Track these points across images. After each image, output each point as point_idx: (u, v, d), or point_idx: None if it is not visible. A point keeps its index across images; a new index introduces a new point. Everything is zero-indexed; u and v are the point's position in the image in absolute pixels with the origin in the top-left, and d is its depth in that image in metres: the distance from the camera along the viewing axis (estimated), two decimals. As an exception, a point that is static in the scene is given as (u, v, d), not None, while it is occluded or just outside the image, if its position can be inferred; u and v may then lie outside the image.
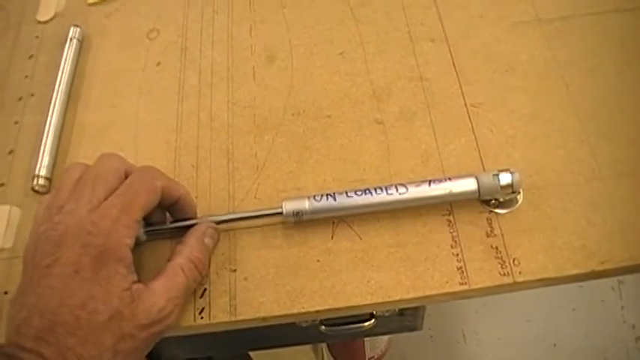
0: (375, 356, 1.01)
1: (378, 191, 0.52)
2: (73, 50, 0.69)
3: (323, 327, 0.62)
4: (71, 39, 0.70)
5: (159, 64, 0.68)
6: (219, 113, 0.63)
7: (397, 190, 0.52)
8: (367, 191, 0.52)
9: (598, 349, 1.57)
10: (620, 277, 1.65)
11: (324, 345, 1.05)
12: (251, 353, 0.87)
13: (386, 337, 0.99)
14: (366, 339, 0.92)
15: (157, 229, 0.54)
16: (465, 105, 0.60)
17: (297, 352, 0.94)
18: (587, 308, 1.63)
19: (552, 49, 0.62)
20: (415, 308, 0.66)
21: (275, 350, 0.89)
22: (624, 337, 1.59)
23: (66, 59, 0.68)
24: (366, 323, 0.62)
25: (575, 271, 0.51)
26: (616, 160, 0.55)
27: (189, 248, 0.51)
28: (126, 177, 0.51)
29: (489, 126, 0.58)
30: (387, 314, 0.60)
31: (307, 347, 0.93)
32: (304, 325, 0.58)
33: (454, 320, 1.64)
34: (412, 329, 0.70)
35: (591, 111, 0.58)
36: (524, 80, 0.61)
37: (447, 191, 0.52)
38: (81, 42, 0.71)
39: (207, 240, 0.53)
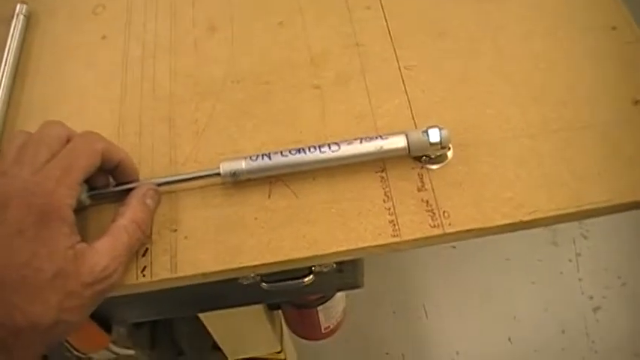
0: (331, 326, 1.02)
1: (312, 149, 0.54)
2: (19, 26, 0.70)
3: (264, 284, 0.64)
4: (18, 15, 0.70)
5: (104, 37, 0.69)
6: (162, 83, 0.64)
7: (330, 148, 0.54)
8: (301, 150, 0.54)
9: (557, 321, 1.61)
10: (578, 250, 1.69)
11: (281, 317, 1.07)
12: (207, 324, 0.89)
13: (340, 308, 1.01)
14: (319, 309, 0.94)
15: (100, 193, 0.55)
16: (399, 68, 0.62)
17: (254, 322, 0.96)
18: (545, 281, 1.67)
19: (485, 14, 0.65)
20: (353, 264, 0.67)
21: (232, 321, 0.91)
22: (582, 309, 1.63)
23: (12, 35, 0.69)
24: (306, 279, 0.64)
25: (503, 222, 0.53)
26: (544, 119, 0.58)
27: (132, 209, 0.53)
28: (69, 140, 0.52)
29: (422, 87, 0.60)
30: (325, 270, 0.62)
31: (264, 318, 0.95)
32: (246, 282, 0.60)
33: (416, 295, 1.66)
34: (353, 286, 0.72)
35: (522, 73, 0.61)
36: (457, 44, 0.63)
37: (377, 148, 0.54)
38: (28, 18, 0.71)
39: (148, 201, 0.54)
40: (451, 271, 1.68)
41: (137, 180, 0.57)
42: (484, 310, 1.63)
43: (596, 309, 1.62)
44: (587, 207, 0.53)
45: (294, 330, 1.08)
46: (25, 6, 0.71)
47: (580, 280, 1.66)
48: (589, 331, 1.60)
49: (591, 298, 1.64)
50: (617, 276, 1.67)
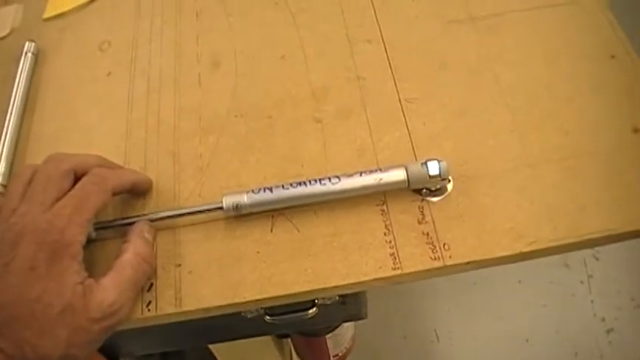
0: (340, 354, 1.03)
1: (313, 182, 0.55)
2: (28, 64, 0.72)
3: (267, 317, 0.64)
4: (26, 53, 0.72)
5: (109, 74, 0.70)
6: (167, 118, 0.65)
7: (330, 180, 0.55)
8: (302, 183, 0.55)
9: (570, 343, 1.60)
10: (590, 272, 1.68)
11: (290, 344, 1.07)
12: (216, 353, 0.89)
13: (349, 335, 1.01)
14: (328, 337, 0.94)
15: (106, 226, 0.57)
16: (400, 101, 0.62)
17: (264, 351, 0.96)
18: (557, 303, 1.65)
19: (484, 44, 0.65)
20: (356, 296, 0.68)
21: (241, 350, 0.92)
22: (595, 331, 1.61)
23: (21, 72, 0.71)
24: (309, 311, 0.64)
25: (503, 253, 0.53)
26: (544, 147, 0.58)
27: (133, 244, 0.54)
28: (75, 175, 0.53)
29: (422, 120, 0.61)
30: (328, 302, 0.62)
31: (273, 346, 0.95)
32: (250, 316, 0.60)
33: (427, 320, 1.66)
34: (357, 318, 0.73)
35: (521, 102, 0.61)
36: (457, 75, 0.64)
37: (377, 180, 0.54)
38: (36, 56, 0.73)
39: (146, 235, 0.55)
40: (462, 295, 1.68)
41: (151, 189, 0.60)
42: (496, 333, 1.62)
43: (608, 331, 1.61)
44: (589, 237, 0.54)
45: (303, 358, 1.08)
46: (33, 44, 0.73)
47: (592, 302, 1.65)
48: (602, 353, 1.58)
49: (604, 320, 1.63)
50: (630, 297, 1.66)
